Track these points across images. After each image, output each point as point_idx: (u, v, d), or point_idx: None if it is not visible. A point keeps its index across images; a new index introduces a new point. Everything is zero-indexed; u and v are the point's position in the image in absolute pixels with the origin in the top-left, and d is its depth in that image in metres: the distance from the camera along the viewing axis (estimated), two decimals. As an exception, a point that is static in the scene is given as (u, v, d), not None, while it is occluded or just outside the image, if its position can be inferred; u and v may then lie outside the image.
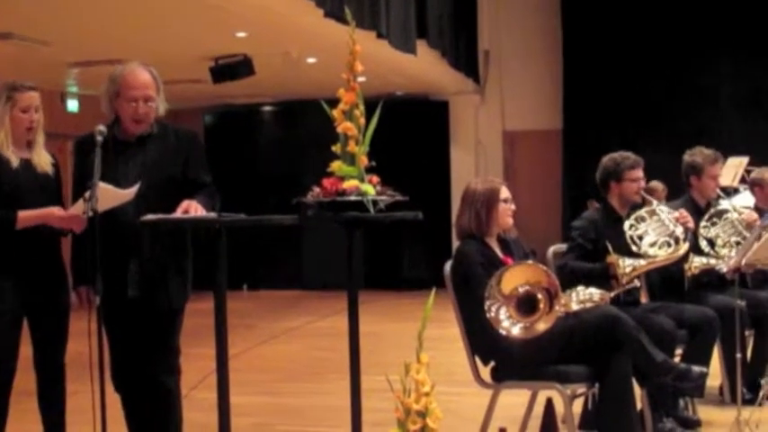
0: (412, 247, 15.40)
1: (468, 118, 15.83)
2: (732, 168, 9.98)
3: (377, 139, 4.88)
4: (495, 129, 15.85)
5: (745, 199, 7.85)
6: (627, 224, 5.87)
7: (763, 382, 6.20)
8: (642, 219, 5.90)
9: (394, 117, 14.63)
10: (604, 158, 6.17)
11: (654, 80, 14.63)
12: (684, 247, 5.83)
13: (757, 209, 7.15)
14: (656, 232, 5.85)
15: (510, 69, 15.67)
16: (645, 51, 14.63)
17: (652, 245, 5.80)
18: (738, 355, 5.66)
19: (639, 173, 6.07)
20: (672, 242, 5.83)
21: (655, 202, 6.03)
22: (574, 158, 14.66)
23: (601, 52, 14.86)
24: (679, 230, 5.85)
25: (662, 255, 5.79)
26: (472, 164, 15.45)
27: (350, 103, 4.90)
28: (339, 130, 4.89)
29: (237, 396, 7.32)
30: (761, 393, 6.09)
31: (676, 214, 5.99)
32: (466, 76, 14.80)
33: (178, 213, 4.32)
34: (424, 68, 12.93)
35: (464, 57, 14.38)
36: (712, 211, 6.51)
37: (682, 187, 6.90)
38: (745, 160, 9.82)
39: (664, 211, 5.96)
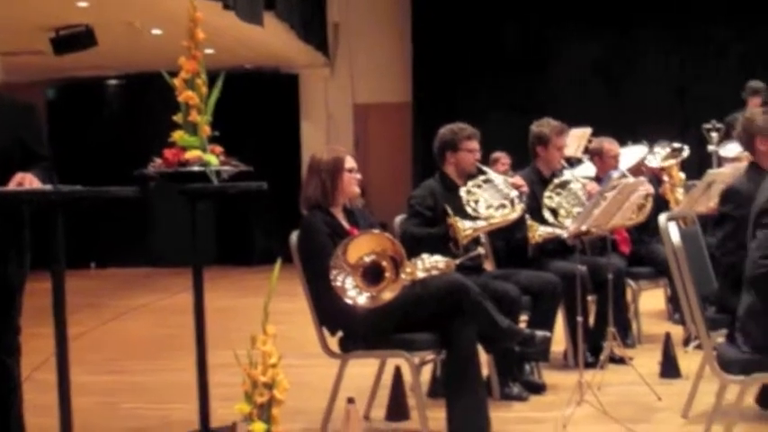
0: (264, 221, 15.31)
1: (319, 91, 15.80)
2: (576, 139, 10.17)
3: (226, 112, 4.82)
4: (346, 102, 15.86)
5: (588, 169, 8.02)
6: (463, 191, 5.94)
7: (605, 345, 6.37)
8: (478, 186, 5.98)
9: (244, 90, 14.64)
10: (441, 129, 6.23)
11: (502, 53, 14.84)
12: (519, 208, 5.94)
13: (598, 179, 7.32)
14: (492, 197, 5.94)
15: (359, 42, 15.68)
16: (493, 24, 14.84)
17: (488, 207, 5.89)
18: (579, 319, 5.79)
19: (475, 144, 6.15)
20: (507, 204, 5.94)
21: (489, 171, 6.11)
22: (423, 131, 14.72)
23: (449, 25, 15.00)
24: (514, 193, 5.96)
25: (498, 216, 5.88)
26: (323, 137, 15.42)
27: (191, 71, 4.81)
28: (180, 99, 4.81)
29: (82, 375, 7.19)
30: (602, 357, 6.26)
31: (511, 180, 6.10)
32: (315, 49, 14.75)
33: (11, 186, 4.16)
34: (272, 41, 12.84)
35: (313, 30, 14.32)
36: (556, 181, 6.63)
37: (526, 158, 7.00)
38: (588, 131, 10.01)
39: (498, 177, 6.06)
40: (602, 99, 14.26)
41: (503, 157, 10.45)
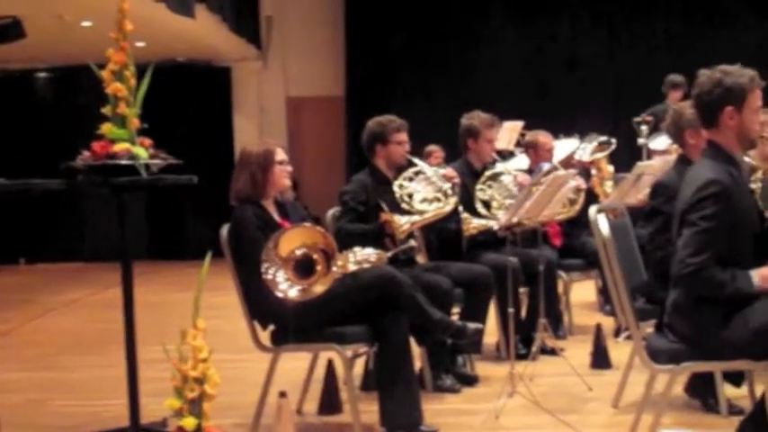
0: (196, 215, 15.17)
1: (251, 84, 15.69)
2: (508, 132, 10.24)
3: (158, 105, 4.75)
4: (279, 95, 15.78)
5: (521, 162, 8.07)
6: (396, 185, 5.94)
7: (536, 336, 6.42)
8: (410, 179, 5.99)
9: (175, 83, 14.51)
10: (370, 122, 6.22)
11: (434, 46, 14.86)
12: (453, 200, 5.96)
13: (531, 172, 7.36)
14: (425, 189, 5.95)
15: (292, 36, 15.60)
16: (426, 17, 14.84)
17: (422, 201, 5.90)
18: (511, 311, 5.81)
19: (404, 136, 6.14)
20: (441, 197, 5.95)
21: (420, 163, 6.12)
22: (357, 124, 14.60)
23: (382, 18, 14.99)
24: (446, 186, 5.98)
25: (433, 209, 5.89)
26: (255, 130, 15.32)
27: (119, 63, 4.75)
28: (108, 91, 4.74)
29: (11, 372, 7.11)
30: (533, 348, 6.31)
31: (443, 171, 6.12)
32: (248, 42, 14.65)
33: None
34: (204, 33, 12.72)
35: (246, 22, 14.22)
36: (488, 173, 6.66)
37: (459, 151, 7.02)
38: (519, 124, 10.07)
39: (429, 169, 6.07)
40: (533, 92, 14.32)
41: (436, 151, 10.47)
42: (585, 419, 5.34)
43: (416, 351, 5.55)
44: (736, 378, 5.04)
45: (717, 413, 5.25)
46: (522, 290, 6.85)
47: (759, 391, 4.32)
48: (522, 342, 6.70)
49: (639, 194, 7.00)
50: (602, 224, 4.58)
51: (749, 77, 4.20)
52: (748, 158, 5.20)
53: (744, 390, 5.12)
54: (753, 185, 5.05)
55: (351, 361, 5.40)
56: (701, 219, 4.09)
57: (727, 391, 5.20)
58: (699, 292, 4.13)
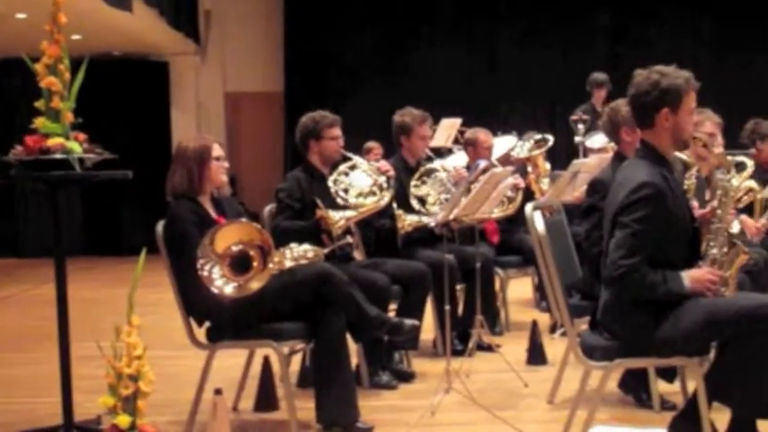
0: (132, 211, 15.02)
1: (189, 79, 15.58)
2: (446, 129, 10.28)
3: (94, 100, 4.68)
4: (217, 90, 15.69)
5: (460, 159, 8.10)
6: (331, 180, 5.93)
7: (473, 333, 6.45)
8: (345, 173, 5.98)
9: (112, 78, 14.36)
10: (303, 118, 6.22)
11: (372, 42, 14.86)
12: (389, 194, 5.97)
13: (469, 169, 7.38)
14: (360, 184, 5.95)
15: (231, 30, 15.52)
16: (365, 13, 14.84)
17: (358, 195, 5.90)
18: (447, 308, 5.83)
19: (338, 131, 6.13)
20: (377, 191, 5.95)
21: (355, 157, 6.11)
22: (296, 120, 14.52)
23: (321, 14, 14.96)
24: (382, 179, 5.99)
25: (369, 203, 5.90)
26: (193, 126, 15.19)
27: (53, 57, 4.69)
28: (42, 85, 4.68)
29: (-60, 370, 6.96)
30: (470, 344, 6.33)
31: (377, 165, 6.12)
32: (186, 37, 14.53)
33: None
34: (141, 27, 12.60)
35: (184, 16, 14.11)
36: (422, 169, 6.67)
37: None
38: (458, 121, 10.12)
39: (364, 163, 6.07)
40: (469, 90, 14.36)
41: (375, 147, 10.48)
42: (521, 415, 5.38)
43: (353, 348, 5.55)
44: (668, 374, 5.10)
45: (650, 408, 5.31)
46: (458, 287, 6.88)
47: (691, 386, 4.37)
48: (458, 338, 6.73)
49: (576, 192, 7.06)
50: (538, 221, 4.60)
51: (685, 79, 4.24)
52: (683, 156, 5.27)
53: (676, 385, 5.18)
54: (687, 182, 5.12)
55: (287, 358, 5.38)
56: (633, 221, 4.12)
57: (660, 386, 5.26)
58: (630, 293, 4.17)
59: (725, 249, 4.45)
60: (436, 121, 10.48)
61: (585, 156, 9.10)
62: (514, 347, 6.77)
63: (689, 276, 4.18)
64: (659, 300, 4.14)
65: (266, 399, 5.59)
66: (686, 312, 4.13)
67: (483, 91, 14.37)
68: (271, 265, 4.72)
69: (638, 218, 4.11)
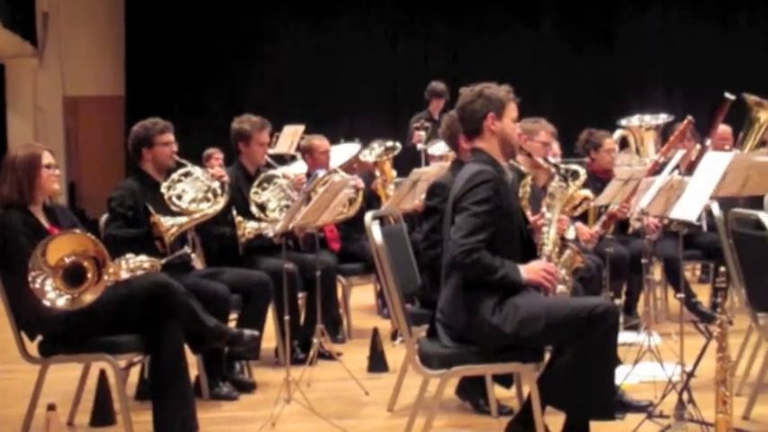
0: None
1: (26, 82, 15.10)
2: (289, 136, 10.26)
3: None
4: (55, 94, 15.27)
5: (302, 166, 8.08)
6: (164, 187, 5.85)
7: (314, 341, 6.43)
8: (179, 180, 5.91)
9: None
10: (134, 126, 6.12)
11: (216, 46, 14.71)
12: (223, 199, 5.92)
13: (310, 176, 7.37)
14: (194, 190, 5.89)
15: (70, 33, 15.14)
16: (208, 17, 14.68)
17: (192, 201, 5.84)
18: (287, 318, 5.80)
19: (170, 137, 6.03)
20: (211, 197, 5.90)
21: (189, 164, 6.03)
22: (137, 125, 14.41)
23: (163, 17, 14.72)
24: (216, 185, 5.94)
25: (203, 209, 5.84)
26: (30, 131, 14.75)
27: None
28: None
29: None
30: (311, 353, 6.31)
31: (212, 171, 6.07)
32: (23, 39, 14.11)
33: None
34: (-26, 29, 12.20)
35: (20, 18, 13.70)
36: (262, 176, 6.62)
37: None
38: (300, 128, 10.11)
39: (198, 170, 6.00)
40: (313, 96, 14.35)
41: (216, 153, 10.36)
42: (361, 424, 5.39)
43: (193, 359, 5.48)
44: (505, 380, 5.21)
45: (488, 414, 5.39)
46: (300, 295, 6.85)
47: (527, 391, 4.46)
48: (300, 347, 6.70)
49: (416, 200, 7.13)
50: (376, 231, 4.62)
51: (506, 90, 4.56)
52: (518, 165, 5.37)
53: (513, 391, 5.28)
54: (522, 190, 5.22)
55: (124, 371, 5.28)
56: (472, 204, 4.30)
57: (498, 392, 5.35)
58: (470, 273, 4.30)
59: (557, 249, 4.63)
60: (279, 128, 10.49)
61: (427, 163, 9.20)
62: (356, 355, 6.79)
63: (525, 267, 4.37)
64: (496, 283, 4.29)
65: (102, 413, 5.45)
66: (524, 305, 4.29)
67: (327, 98, 14.37)
68: (106, 277, 4.62)
69: (477, 200, 4.30)
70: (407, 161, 9.32)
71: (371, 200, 8.01)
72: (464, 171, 4.48)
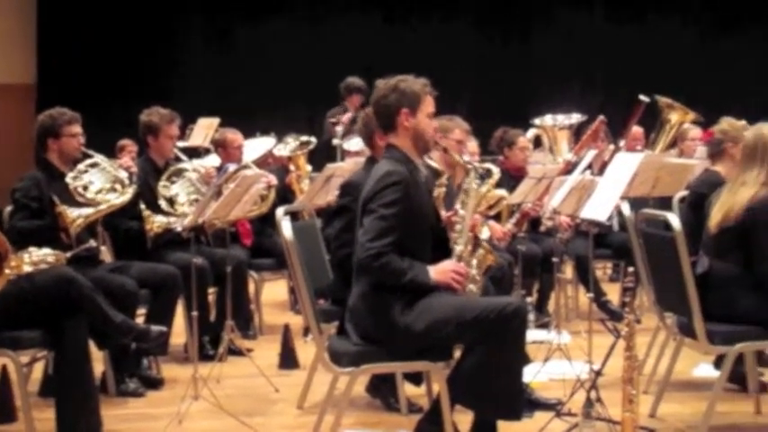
0: None
1: (-70, 69, 14.74)
2: (203, 129, 10.17)
3: None
4: (-39, 83, 14.91)
5: (215, 159, 7.99)
6: (69, 177, 5.74)
7: (224, 337, 6.35)
8: (85, 171, 5.81)
9: None
10: (40, 116, 6.01)
11: (131, 36, 14.48)
12: (131, 189, 5.84)
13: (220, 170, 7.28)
14: (100, 180, 5.81)
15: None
16: (123, 5, 14.45)
17: (98, 192, 5.75)
18: (195, 314, 5.73)
19: (78, 128, 5.92)
20: (118, 187, 5.81)
21: (96, 154, 5.93)
22: (50, 115, 14.11)
23: (77, 3, 14.45)
24: (123, 175, 5.87)
25: (110, 200, 5.75)
26: (-66, 120, 14.40)
27: None
28: None
29: None
30: (220, 349, 6.24)
31: (119, 162, 5.98)
32: (-72, 24, 13.76)
33: None
34: None
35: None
36: (171, 170, 6.52)
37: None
38: (215, 121, 10.02)
39: (105, 160, 5.91)
40: (230, 88, 14.22)
41: (129, 145, 10.19)
42: (270, 421, 5.34)
43: (99, 354, 5.38)
44: (415, 377, 5.20)
45: (398, 412, 5.37)
46: (211, 290, 6.77)
47: (437, 389, 4.46)
48: (210, 343, 6.62)
49: (329, 196, 7.08)
50: (286, 226, 4.56)
51: (422, 84, 4.48)
52: (434, 163, 5.36)
53: (423, 389, 5.27)
54: (437, 189, 5.20)
55: (27, 367, 5.15)
56: (380, 206, 4.27)
57: (408, 390, 5.34)
58: (378, 277, 4.28)
59: (470, 248, 4.61)
60: (194, 120, 10.38)
61: (343, 158, 9.15)
62: (267, 351, 6.73)
63: (434, 269, 4.35)
64: (404, 286, 4.26)
65: (3, 410, 5.32)
66: (434, 306, 4.28)
67: (243, 91, 14.24)
68: (7, 271, 4.49)
69: (386, 203, 4.27)
70: (323, 156, 9.26)
71: (286, 194, 7.95)
72: (375, 170, 4.46)
